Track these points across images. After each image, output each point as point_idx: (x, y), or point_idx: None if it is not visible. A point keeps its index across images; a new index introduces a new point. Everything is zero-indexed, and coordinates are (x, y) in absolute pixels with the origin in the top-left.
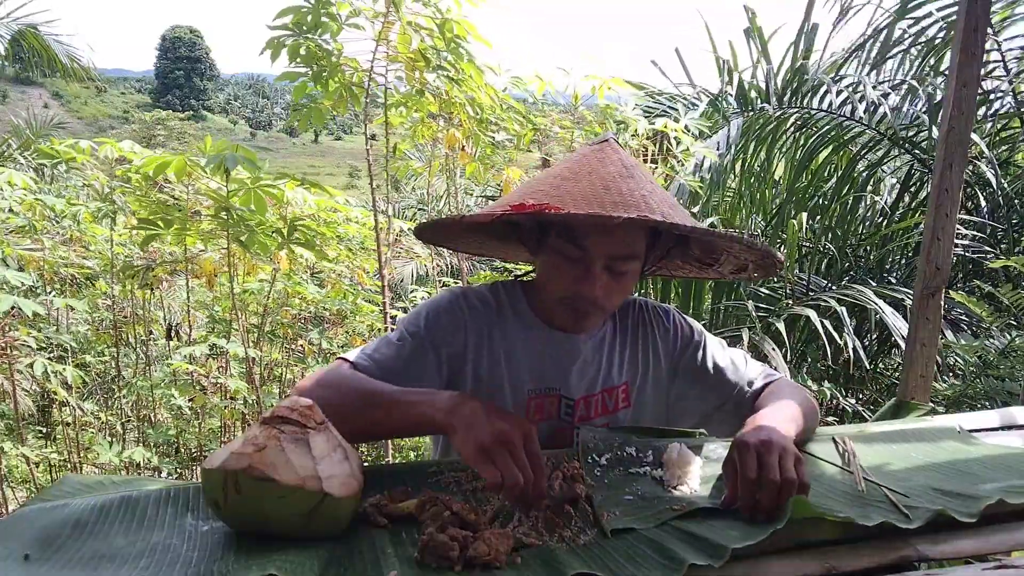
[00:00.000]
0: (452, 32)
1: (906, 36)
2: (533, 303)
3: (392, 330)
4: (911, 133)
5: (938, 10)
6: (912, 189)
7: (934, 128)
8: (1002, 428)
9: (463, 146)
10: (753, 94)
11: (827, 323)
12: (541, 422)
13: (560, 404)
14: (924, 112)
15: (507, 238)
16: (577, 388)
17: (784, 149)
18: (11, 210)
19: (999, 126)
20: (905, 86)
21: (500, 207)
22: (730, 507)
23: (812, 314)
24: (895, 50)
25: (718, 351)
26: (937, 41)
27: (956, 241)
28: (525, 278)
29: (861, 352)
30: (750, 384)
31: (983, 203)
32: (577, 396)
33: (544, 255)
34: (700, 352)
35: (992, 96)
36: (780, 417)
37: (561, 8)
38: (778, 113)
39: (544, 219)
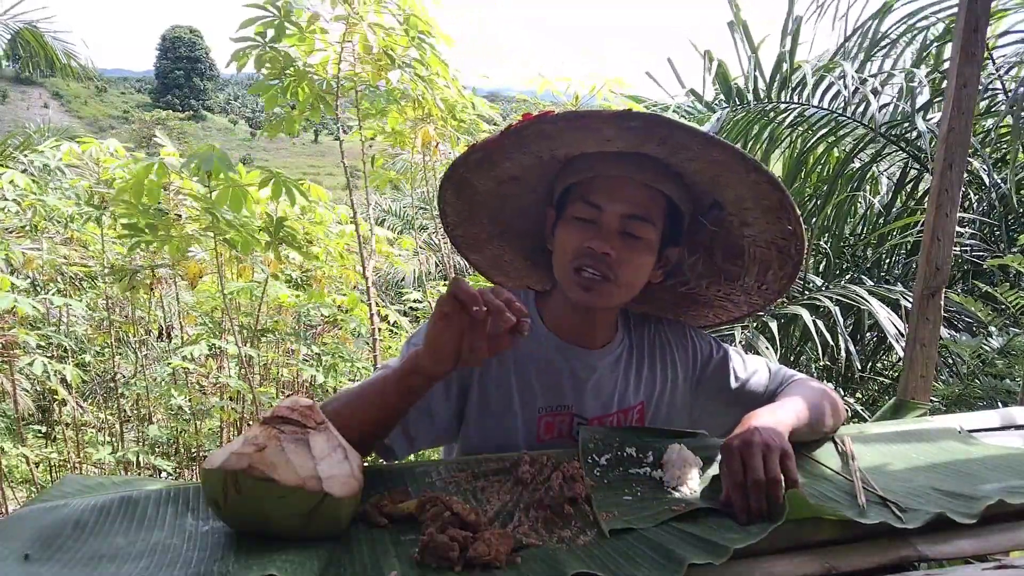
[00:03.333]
0: (416, 29)
1: (894, 30)
2: (547, 315)
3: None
4: (904, 130)
5: (929, 6)
6: (908, 187)
7: (920, 123)
8: (1002, 428)
9: (437, 143)
10: (737, 85)
11: (820, 323)
12: (551, 441)
13: (572, 423)
14: (917, 108)
15: (537, 252)
16: (592, 407)
17: (778, 144)
18: (11, 209)
19: (991, 124)
20: (896, 82)
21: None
22: (728, 508)
23: (805, 313)
24: (885, 43)
25: (739, 364)
26: (931, 36)
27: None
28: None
29: (853, 352)
30: (771, 392)
31: (974, 202)
32: (591, 416)
33: (561, 229)
34: (722, 367)
35: (986, 94)
36: (774, 414)
37: (563, 8)
38: (764, 106)
39: (565, 165)
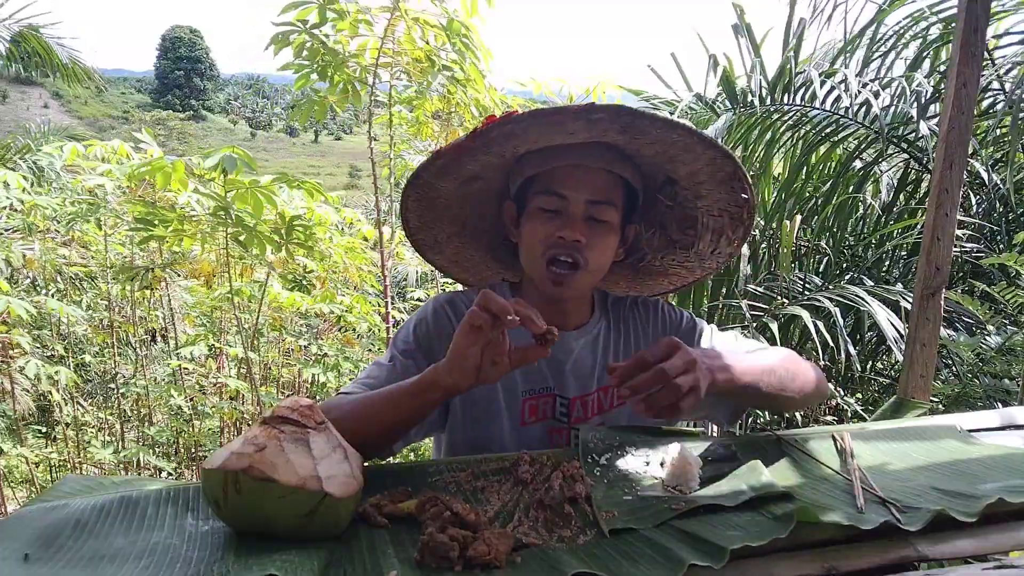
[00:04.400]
0: (459, 33)
1: (893, 31)
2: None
3: (391, 329)
4: (905, 131)
5: (931, 7)
6: (908, 188)
7: (922, 124)
8: (1002, 428)
9: None
10: (742, 89)
11: (820, 323)
12: (536, 423)
13: (555, 404)
14: (913, 107)
15: (497, 244)
16: (573, 387)
17: (780, 145)
18: (13, 208)
19: (988, 124)
20: (896, 84)
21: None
22: (620, 382)
23: (805, 313)
24: (885, 45)
25: (715, 335)
26: (930, 37)
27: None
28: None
29: (853, 353)
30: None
31: (974, 203)
32: (572, 396)
33: (527, 222)
34: (696, 338)
35: (986, 94)
36: (739, 358)
37: (564, 8)
38: (768, 109)
39: (522, 162)
